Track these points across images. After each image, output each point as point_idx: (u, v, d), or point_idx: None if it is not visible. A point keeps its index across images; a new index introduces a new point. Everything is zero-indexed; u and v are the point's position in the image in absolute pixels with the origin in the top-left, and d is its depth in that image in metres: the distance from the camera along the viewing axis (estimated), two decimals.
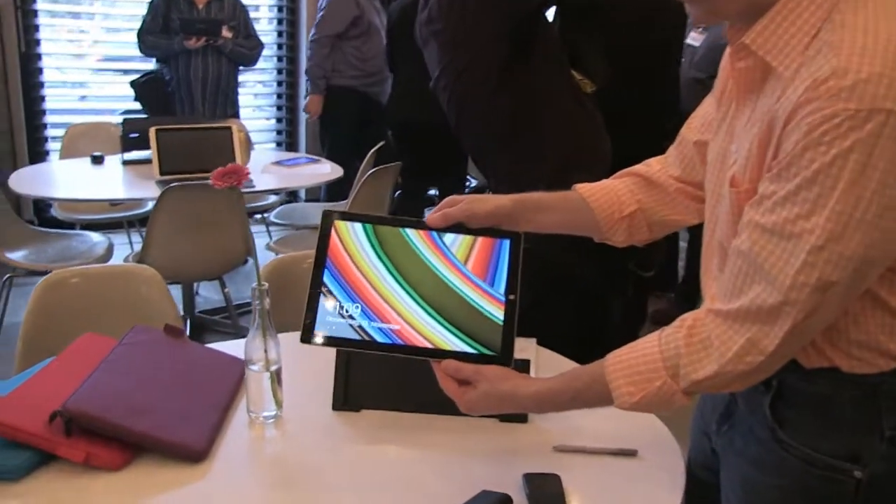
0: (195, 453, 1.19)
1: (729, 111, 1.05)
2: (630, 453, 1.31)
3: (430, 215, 1.14)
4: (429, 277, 1.12)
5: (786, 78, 0.88)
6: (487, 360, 1.09)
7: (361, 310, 1.10)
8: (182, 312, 3.56)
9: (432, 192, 4.71)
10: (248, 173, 1.14)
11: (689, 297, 4.07)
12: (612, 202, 1.23)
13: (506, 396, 1.06)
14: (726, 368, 0.92)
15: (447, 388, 1.08)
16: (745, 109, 0.99)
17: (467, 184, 4.92)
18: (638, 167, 1.28)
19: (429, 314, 1.11)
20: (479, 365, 1.07)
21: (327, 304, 1.11)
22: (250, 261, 3.27)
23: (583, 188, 1.25)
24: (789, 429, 1.01)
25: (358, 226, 1.14)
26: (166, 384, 1.30)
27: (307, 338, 1.11)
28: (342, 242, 1.13)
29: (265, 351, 1.29)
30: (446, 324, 1.11)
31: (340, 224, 1.14)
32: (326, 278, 1.12)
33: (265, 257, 4.41)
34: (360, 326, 1.10)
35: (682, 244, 4.11)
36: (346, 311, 1.10)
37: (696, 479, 1.24)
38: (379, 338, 1.10)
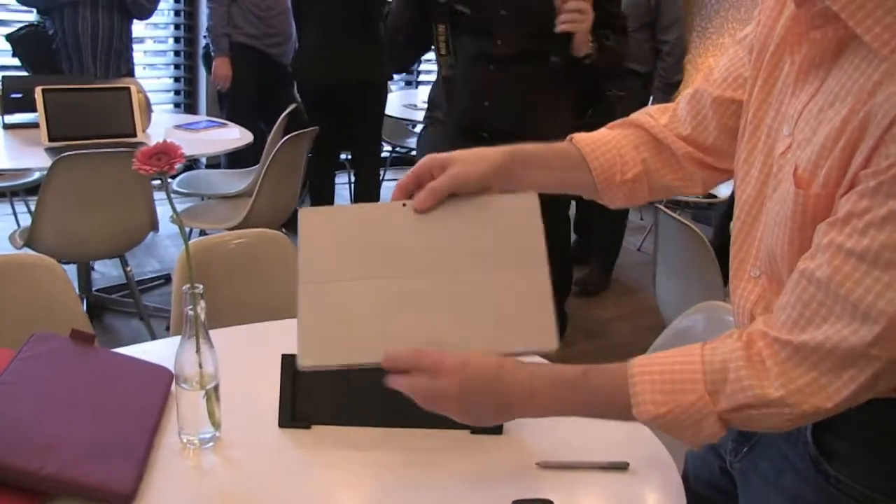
0: (120, 497, 0.97)
1: (776, 80, 0.89)
2: (621, 467, 1.18)
3: (416, 197, 0.93)
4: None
5: (882, 57, 0.72)
6: None
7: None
8: (77, 292, 3.24)
9: (344, 156, 4.49)
10: (182, 153, 0.91)
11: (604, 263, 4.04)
12: (612, 161, 1.05)
13: (489, 379, 0.86)
14: (788, 401, 0.77)
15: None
16: (805, 86, 0.83)
17: (381, 148, 4.72)
18: (642, 118, 1.09)
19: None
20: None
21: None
22: (151, 233, 2.98)
23: (582, 141, 1.06)
24: (839, 463, 0.87)
25: None
26: (78, 408, 1.07)
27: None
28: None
29: (200, 366, 1.08)
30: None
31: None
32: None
33: (169, 230, 4.13)
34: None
35: None
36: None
37: (699, 497, 1.11)
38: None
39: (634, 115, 1.10)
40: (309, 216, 0.92)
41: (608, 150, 1.05)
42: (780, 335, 0.78)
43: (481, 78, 2.31)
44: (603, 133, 1.08)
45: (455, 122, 2.37)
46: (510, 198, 0.95)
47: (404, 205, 0.94)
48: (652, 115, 1.09)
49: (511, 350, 0.89)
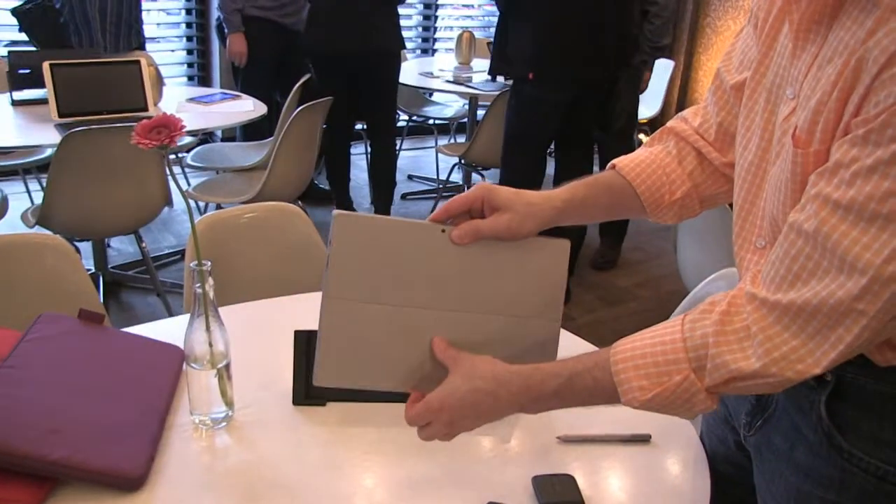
0: (130, 480, 0.95)
1: (776, 45, 0.86)
2: (643, 439, 1.15)
3: (458, 228, 0.92)
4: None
5: (883, 5, 0.68)
6: None
7: None
8: (94, 269, 3.23)
9: (359, 126, 4.44)
10: (182, 126, 0.87)
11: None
12: (660, 183, 1.02)
13: (486, 378, 0.87)
14: (769, 370, 0.74)
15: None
16: (807, 45, 0.79)
17: (397, 118, 4.66)
18: (678, 125, 1.06)
19: None
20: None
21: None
22: (167, 208, 2.95)
23: (626, 167, 1.03)
24: (852, 435, 0.83)
25: None
26: (86, 390, 1.05)
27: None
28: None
29: (210, 344, 1.05)
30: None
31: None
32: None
33: (185, 206, 4.10)
34: None
35: None
36: None
37: (717, 474, 1.08)
38: None
39: (671, 123, 1.08)
40: (344, 223, 0.89)
41: (653, 172, 1.03)
42: (768, 296, 0.75)
43: None
44: (645, 154, 1.05)
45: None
46: (543, 244, 0.96)
47: (443, 231, 0.92)
48: (686, 119, 1.07)
49: None
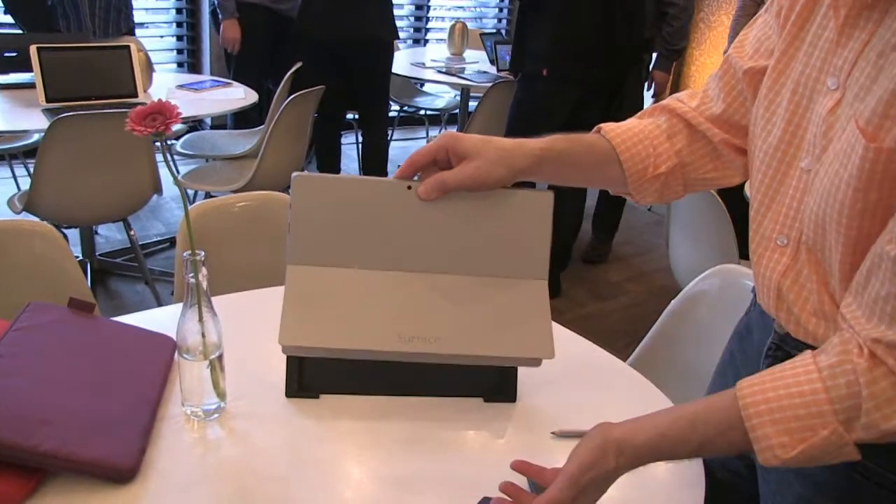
0: (122, 472, 0.94)
1: (803, 34, 0.83)
2: None
3: (423, 183, 0.85)
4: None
5: None
6: None
7: None
8: (81, 256, 3.20)
9: (351, 115, 4.42)
10: (178, 113, 0.85)
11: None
12: (645, 154, 0.98)
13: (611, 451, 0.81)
14: None
15: None
16: (855, 33, 0.76)
17: (388, 108, 4.63)
18: (672, 103, 1.02)
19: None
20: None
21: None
22: (155, 196, 2.92)
23: (612, 132, 0.99)
24: (868, 449, 0.78)
25: None
26: (76, 380, 1.03)
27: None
28: None
29: (203, 335, 1.03)
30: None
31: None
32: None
33: (174, 192, 4.06)
34: None
35: None
36: None
37: (713, 480, 1.06)
38: None
39: (665, 101, 1.03)
40: (304, 184, 0.84)
41: (640, 142, 0.98)
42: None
43: None
44: (633, 123, 1.01)
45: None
46: (523, 196, 0.88)
47: (409, 187, 0.86)
48: (682, 100, 1.02)
49: (506, 355, 0.85)
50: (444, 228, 0.86)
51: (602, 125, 1.00)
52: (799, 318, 0.86)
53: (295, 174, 0.83)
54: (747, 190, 2.55)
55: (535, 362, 0.97)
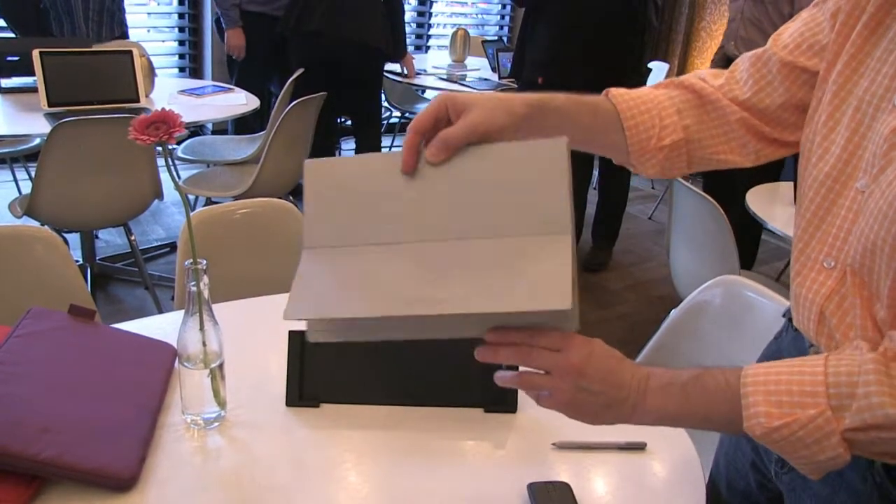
0: (122, 481, 0.93)
1: (868, 47, 0.79)
2: (639, 447, 1.14)
3: (429, 147, 0.82)
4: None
5: None
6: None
7: None
8: (82, 261, 3.20)
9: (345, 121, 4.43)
10: (181, 122, 0.85)
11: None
12: (650, 123, 0.93)
13: (612, 367, 0.78)
14: None
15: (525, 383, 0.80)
16: None
17: (385, 113, 4.64)
18: (691, 79, 0.97)
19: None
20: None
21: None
22: (156, 201, 2.92)
23: (619, 96, 0.94)
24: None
25: None
26: (76, 388, 1.03)
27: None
28: None
29: (204, 344, 1.03)
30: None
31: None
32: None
33: (175, 197, 4.07)
34: None
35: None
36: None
37: (719, 499, 1.04)
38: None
39: (684, 76, 0.99)
40: (314, 169, 0.84)
41: (647, 111, 0.93)
42: None
43: None
44: (644, 91, 0.96)
45: None
46: (535, 146, 0.81)
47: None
48: (705, 78, 0.98)
49: (520, 308, 0.76)
50: (458, 193, 0.82)
51: (611, 89, 0.96)
52: (840, 343, 0.82)
53: (307, 161, 0.83)
54: (749, 202, 2.56)
55: (561, 320, 0.82)
